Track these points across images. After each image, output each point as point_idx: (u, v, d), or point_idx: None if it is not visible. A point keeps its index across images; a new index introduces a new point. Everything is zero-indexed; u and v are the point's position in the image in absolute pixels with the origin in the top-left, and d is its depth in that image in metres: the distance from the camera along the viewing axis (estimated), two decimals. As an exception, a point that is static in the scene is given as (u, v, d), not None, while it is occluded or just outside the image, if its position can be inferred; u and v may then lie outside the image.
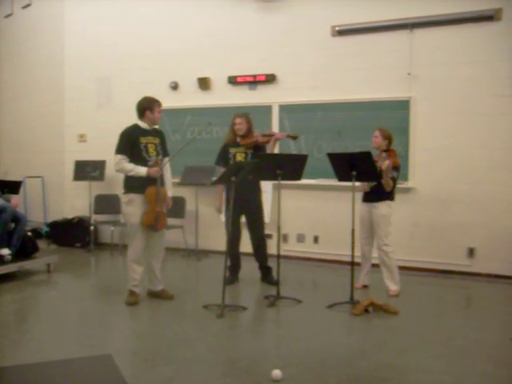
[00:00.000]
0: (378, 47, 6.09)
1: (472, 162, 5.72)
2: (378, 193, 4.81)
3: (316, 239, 6.49)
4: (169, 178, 4.70)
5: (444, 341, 3.68)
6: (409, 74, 5.89)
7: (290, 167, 4.64)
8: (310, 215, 6.46)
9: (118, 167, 4.43)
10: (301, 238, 6.57)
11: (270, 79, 6.57)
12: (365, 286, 5.07)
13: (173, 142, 6.59)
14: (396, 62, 5.98)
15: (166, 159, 4.60)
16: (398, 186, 5.00)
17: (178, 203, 6.55)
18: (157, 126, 4.69)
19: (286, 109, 6.49)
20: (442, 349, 3.53)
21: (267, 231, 5.73)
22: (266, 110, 6.49)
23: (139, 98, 4.56)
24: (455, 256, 5.82)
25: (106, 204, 7.22)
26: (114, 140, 4.50)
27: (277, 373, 2.94)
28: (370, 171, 4.51)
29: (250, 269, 5.40)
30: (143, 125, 4.52)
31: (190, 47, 6.98)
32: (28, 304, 4.63)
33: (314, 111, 6.35)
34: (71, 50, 7.65)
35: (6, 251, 5.33)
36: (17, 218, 5.58)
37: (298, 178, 4.75)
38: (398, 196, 5.02)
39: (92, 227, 7.16)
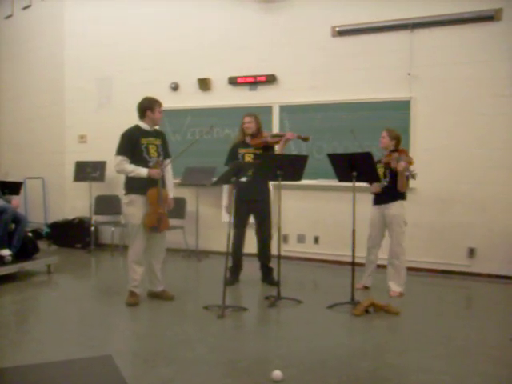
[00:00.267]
0: (379, 47, 6.10)
1: (472, 162, 5.72)
2: (391, 193, 4.79)
3: (316, 240, 6.49)
4: (170, 180, 4.70)
5: (444, 341, 3.68)
6: (409, 74, 5.90)
7: (291, 168, 4.64)
8: (310, 216, 6.47)
9: (119, 168, 4.43)
10: (301, 239, 6.57)
11: (271, 80, 6.57)
12: (366, 287, 5.06)
13: (173, 142, 6.56)
14: (396, 63, 5.99)
15: (168, 161, 4.60)
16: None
17: (179, 204, 6.51)
18: (157, 127, 4.70)
19: (286, 109, 6.49)
20: (442, 349, 3.53)
21: (268, 231, 5.74)
22: (267, 110, 6.49)
23: (139, 99, 4.56)
24: (455, 256, 5.83)
25: (107, 205, 7.22)
26: (114, 141, 4.50)
27: (277, 373, 2.94)
28: (370, 172, 4.51)
29: (250, 269, 5.40)
30: (144, 126, 4.51)
31: (190, 47, 6.98)
32: (28, 305, 4.62)
33: (314, 111, 6.36)
34: (71, 50, 7.65)
35: (6, 252, 5.33)
36: (17, 219, 5.58)
37: (299, 178, 4.74)
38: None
39: (92, 228, 7.16)
